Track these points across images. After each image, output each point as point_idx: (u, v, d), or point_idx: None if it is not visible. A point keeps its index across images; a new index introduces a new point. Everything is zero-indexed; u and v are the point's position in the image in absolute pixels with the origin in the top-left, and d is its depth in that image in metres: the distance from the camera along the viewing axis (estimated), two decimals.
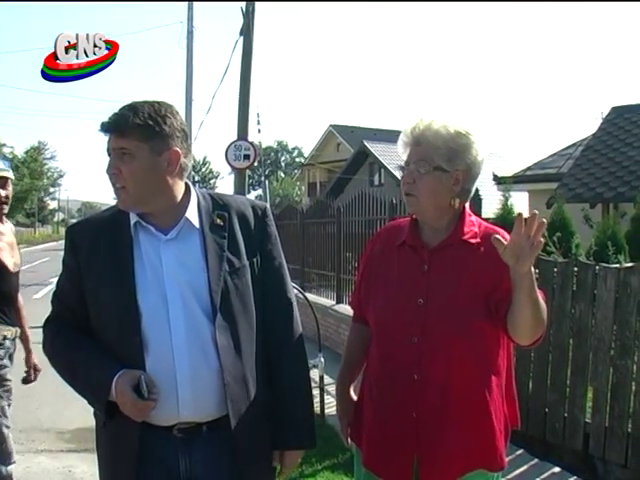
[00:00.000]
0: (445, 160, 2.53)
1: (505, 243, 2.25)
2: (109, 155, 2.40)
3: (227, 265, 2.46)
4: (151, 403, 2.27)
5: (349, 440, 2.87)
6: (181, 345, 2.36)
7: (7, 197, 4.43)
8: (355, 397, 2.86)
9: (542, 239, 2.22)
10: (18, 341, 4.62)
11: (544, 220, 2.21)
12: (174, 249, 2.43)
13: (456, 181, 2.55)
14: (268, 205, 2.73)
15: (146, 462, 2.37)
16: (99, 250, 2.44)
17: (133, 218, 2.45)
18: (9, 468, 4.35)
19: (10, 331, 4.36)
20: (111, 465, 2.48)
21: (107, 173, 2.40)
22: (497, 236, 2.27)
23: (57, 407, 7.55)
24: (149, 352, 2.35)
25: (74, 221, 2.60)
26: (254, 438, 2.47)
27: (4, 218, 4.51)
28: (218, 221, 2.51)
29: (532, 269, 2.30)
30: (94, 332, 2.47)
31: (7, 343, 4.31)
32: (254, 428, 2.47)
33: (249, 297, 2.50)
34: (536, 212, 2.22)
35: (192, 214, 2.48)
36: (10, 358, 4.39)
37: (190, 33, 23.02)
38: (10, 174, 4.40)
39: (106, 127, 2.38)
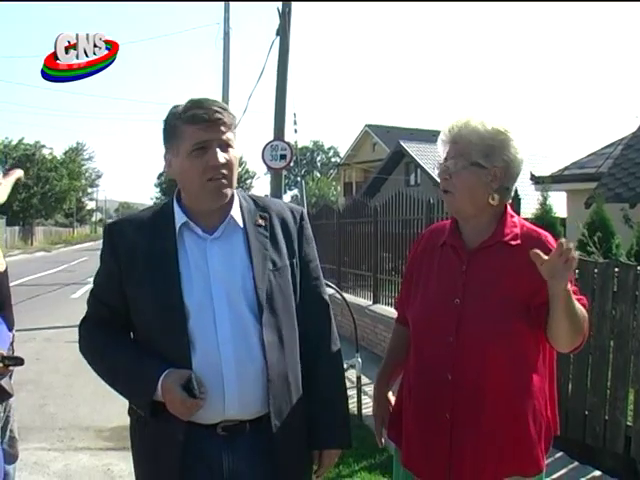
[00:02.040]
0: (482, 156, 2.52)
1: (544, 258, 2.21)
2: (202, 147, 2.37)
3: (270, 264, 2.49)
4: (200, 402, 2.29)
5: (383, 440, 2.88)
6: (227, 344, 2.38)
7: None
8: (392, 398, 2.86)
9: (574, 258, 2.19)
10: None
11: (571, 246, 2.18)
12: (219, 248, 2.45)
13: (494, 178, 2.53)
14: (305, 208, 2.76)
15: (190, 460, 2.38)
16: (141, 250, 2.45)
17: (181, 219, 2.45)
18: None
19: None
20: (153, 464, 2.47)
21: (216, 164, 2.36)
22: (537, 251, 2.24)
23: (96, 405, 7.64)
24: (196, 351, 2.36)
25: (111, 220, 2.64)
26: (294, 436, 2.49)
27: None
28: (260, 221, 2.54)
29: (569, 286, 2.27)
30: (136, 331, 2.50)
31: None
32: (294, 426, 2.49)
33: (290, 296, 2.53)
34: (563, 241, 2.19)
35: (236, 213, 2.51)
36: None
37: (227, 34, 23.11)
38: None
39: (214, 118, 2.37)
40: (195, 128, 2.36)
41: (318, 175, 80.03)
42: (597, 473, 5.27)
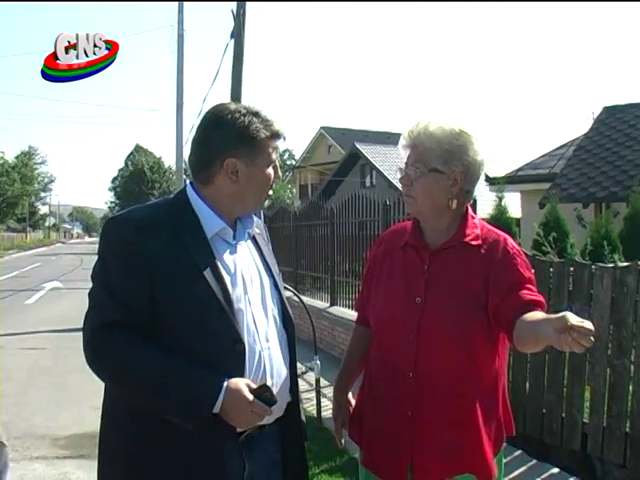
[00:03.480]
0: (441, 162, 2.53)
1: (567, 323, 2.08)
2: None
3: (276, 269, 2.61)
4: (272, 409, 2.26)
5: (343, 441, 2.88)
6: (268, 350, 2.38)
7: None
8: (352, 399, 2.86)
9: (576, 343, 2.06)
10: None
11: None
12: (242, 253, 2.45)
13: (454, 182, 2.55)
14: (261, 211, 2.79)
15: (219, 472, 2.28)
16: (176, 253, 2.28)
17: (216, 224, 2.38)
18: None
19: None
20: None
21: (278, 178, 2.52)
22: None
23: (51, 413, 7.51)
24: (246, 360, 2.30)
25: (121, 216, 2.43)
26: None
27: None
28: (257, 230, 2.59)
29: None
30: (167, 339, 2.26)
31: None
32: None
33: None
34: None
35: (244, 221, 2.52)
36: None
37: (180, 36, 22.92)
38: None
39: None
40: (276, 144, 2.44)
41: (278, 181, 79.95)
42: (555, 470, 5.33)
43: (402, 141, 2.65)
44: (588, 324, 2.04)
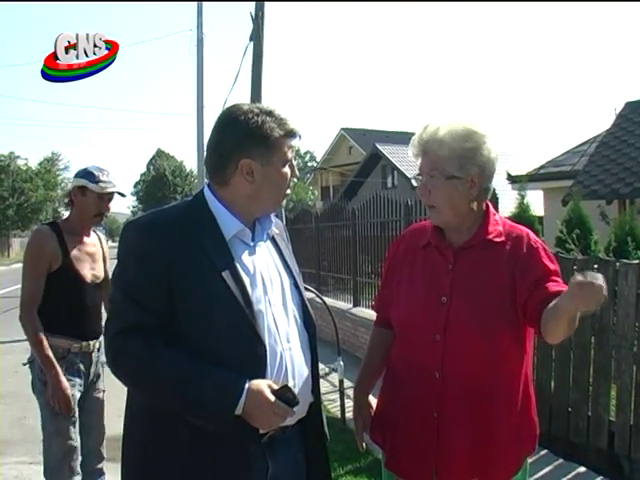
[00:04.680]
0: (457, 168, 2.51)
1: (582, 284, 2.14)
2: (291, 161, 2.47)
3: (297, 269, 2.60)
4: (294, 410, 2.24)
5: (365, 444, 2.86)
6: (289, 351, 2.36)
7: (108, 210, 4.46)
8: (373, 401, 2.84)
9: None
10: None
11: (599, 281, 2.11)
12: (261, 254, 2.44)
13: (472, 184, 2.54)
14: (283, 213, 2.77)
15: (242, 473, 2.28)
16: (194, 257, 2.27)
17: (234, 225, 2.37)
18: None
19: (79, 345, 4.21)
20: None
21: (296, 177, 2.52)
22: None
23: None
24: (267, 361, 2.29)
25: (139, 219, 2.43)
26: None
27: (92, 229, 4.50)
28: (276, 231, 2.57)
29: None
30: (190, 342, 2.24)
31: (71, 357, 4.17)
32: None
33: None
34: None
35: (263, 222, 2.51)
36: (79, 373, 4.17)
37: (200, 40, 23.01)
38: (117, 189, 4.38)
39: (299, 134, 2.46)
40: (291, 142, 2.41)
41: (295, 180, 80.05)
42: (582, 469, 5.30)
43: (412, 149, 2.62)
44: (598, 278, 2.11)
